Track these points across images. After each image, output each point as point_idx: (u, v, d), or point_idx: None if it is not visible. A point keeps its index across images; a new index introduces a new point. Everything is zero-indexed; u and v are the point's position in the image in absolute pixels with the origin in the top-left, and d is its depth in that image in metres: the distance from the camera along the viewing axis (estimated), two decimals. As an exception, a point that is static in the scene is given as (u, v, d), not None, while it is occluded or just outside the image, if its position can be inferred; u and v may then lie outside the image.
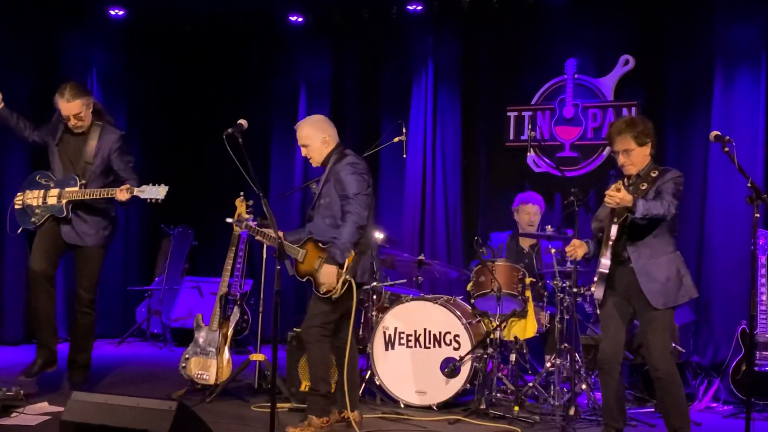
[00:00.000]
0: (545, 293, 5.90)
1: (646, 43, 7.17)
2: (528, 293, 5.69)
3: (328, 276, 4.55)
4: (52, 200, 5.22)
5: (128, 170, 5.31)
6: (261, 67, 8.67)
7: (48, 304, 5.32)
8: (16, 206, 5.34)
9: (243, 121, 4.29)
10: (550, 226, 5.84)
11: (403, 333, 5.58)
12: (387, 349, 5.61)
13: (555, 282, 5.62)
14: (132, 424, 3.56)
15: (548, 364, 5.68)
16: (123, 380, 6.00)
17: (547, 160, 7.28)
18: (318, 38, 8.39)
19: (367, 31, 8.20)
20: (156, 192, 5.05)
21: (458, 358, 5.37)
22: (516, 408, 5.17)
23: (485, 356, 5.44)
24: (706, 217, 6.75)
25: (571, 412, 5.02)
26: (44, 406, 4.91)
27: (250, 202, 5.47)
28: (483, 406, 5.25)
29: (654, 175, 4.23)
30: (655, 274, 4.25)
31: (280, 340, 5.16)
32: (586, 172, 7.24)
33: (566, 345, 5.50)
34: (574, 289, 5.20)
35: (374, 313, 5.80)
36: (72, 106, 5.17)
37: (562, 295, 5.59)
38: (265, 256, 5.75)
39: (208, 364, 5.50)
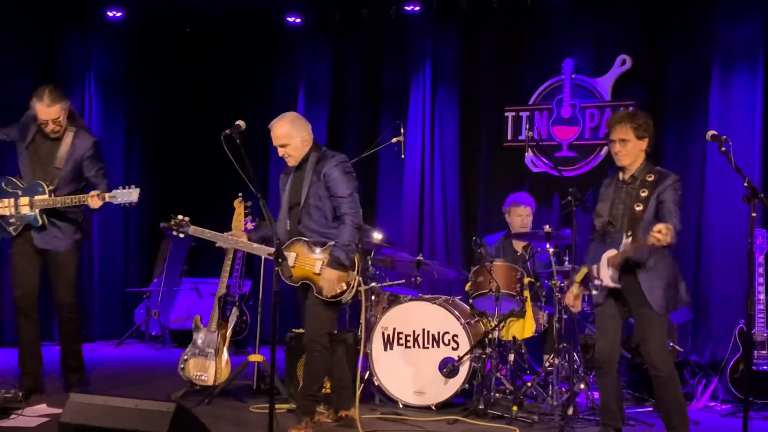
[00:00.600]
0: (543, 293, 5.90)
1: (644, 43, 7.16)
2: (526, 293, 5.69)
3: (334, 280, 4.52)
4: (24, 209, 5.11)
5: (99, 176, 5.21)
6: (260, 68, 8.66)
7: (31, 331, 5.27)
8: None
9: (240, 122, 4.26)
10: (548, 226, 5.82)
11: (402, 333, 5.58)
12: (386, 349, 5.61)
13: (553, 282, 5.61)
14: (130, 425, 3.56)
15: (547, 364, 5.68)
16: (121, 381, 6.00)
17: (545, 160, 7.28)
18: (317, 38, 8.39)
19: (366, 32, 8.20)
20: (128, 195, 4.99)
21: (457, 358, 5.38)
22: (515, 408, 5.17)
23: (484, 356, 5.45)
24: (704, 217, 6.74)
25: (570, 411, 5.03)
26: (43, 407, 4.92)
27: (249, 203, 5.47)
28: (482, 406, 5.25)
29: (651, 179, 4.21)
30: (657, 281, 4.28)
31: (278, 341, 5.17)
32: (584, 171, 7.24)
33: (565, 345, 5.50)
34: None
35: (373, 313, 5.80)
36: (51, 111, 5.06)
37: (560, 295, 5.58)
38: (263, 257, 5.74)
39: (207, 366, 5.49)
